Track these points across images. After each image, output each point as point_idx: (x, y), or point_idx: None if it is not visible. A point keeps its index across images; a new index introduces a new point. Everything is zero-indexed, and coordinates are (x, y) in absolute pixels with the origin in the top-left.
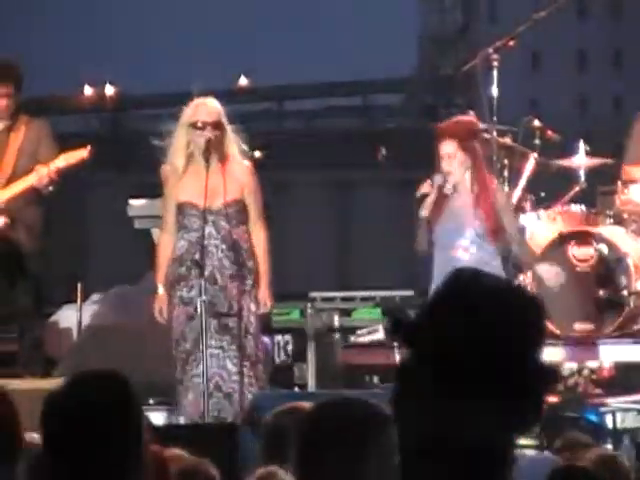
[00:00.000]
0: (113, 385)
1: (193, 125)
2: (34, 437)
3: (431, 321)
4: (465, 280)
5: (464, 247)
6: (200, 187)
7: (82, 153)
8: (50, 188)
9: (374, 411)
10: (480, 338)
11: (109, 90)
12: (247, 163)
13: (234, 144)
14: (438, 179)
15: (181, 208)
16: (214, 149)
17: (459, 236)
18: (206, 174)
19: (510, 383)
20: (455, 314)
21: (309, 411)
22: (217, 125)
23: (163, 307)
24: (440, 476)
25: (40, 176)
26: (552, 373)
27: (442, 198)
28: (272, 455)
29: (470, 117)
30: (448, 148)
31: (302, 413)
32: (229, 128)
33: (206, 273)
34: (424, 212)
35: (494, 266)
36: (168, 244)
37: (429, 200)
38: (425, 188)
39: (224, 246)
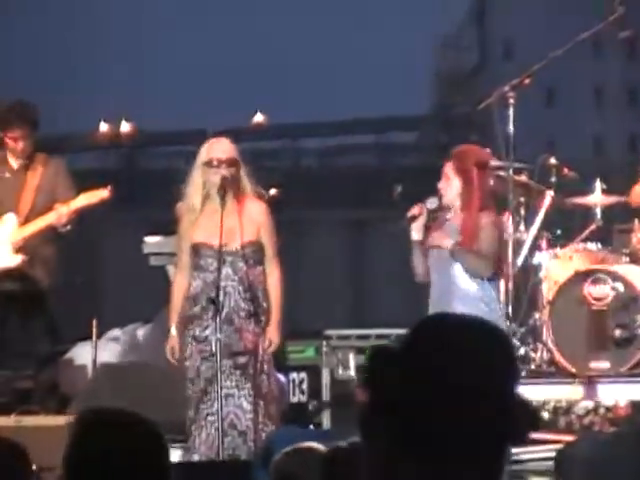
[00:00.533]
0: (135, 429)
1: (208, 164)
2: None
3: (400, 368)
4: (433, 326)
5: (459, 271)
6: (215, 227)
7: (103, 193)
8: (68, 227)
9: None
10: (452, 385)
11: (125, 127)
12: (263, 203)
13: (249, 182)
14: (431, 202)
15: (196, 248)
16: (229, 187)
17: (454, 260)
18: (222, 213)
19: (487, 427)
20: (423, 360)
21: (325, 453)
22: (232, 162)
23: (175, 347)
24: None
25: (59, 215)
26: (532, 409)
27: (443, 221)
28: None
29: (481, 148)
30: (446, 169)
31: (312, 454)
32: (244, 167)
33: (223, 313)
34: (416, 235)
35: (488, 295)
36: (183, 285)
37: (419, 223)
38: (415, 210)
39: (241, 287)
